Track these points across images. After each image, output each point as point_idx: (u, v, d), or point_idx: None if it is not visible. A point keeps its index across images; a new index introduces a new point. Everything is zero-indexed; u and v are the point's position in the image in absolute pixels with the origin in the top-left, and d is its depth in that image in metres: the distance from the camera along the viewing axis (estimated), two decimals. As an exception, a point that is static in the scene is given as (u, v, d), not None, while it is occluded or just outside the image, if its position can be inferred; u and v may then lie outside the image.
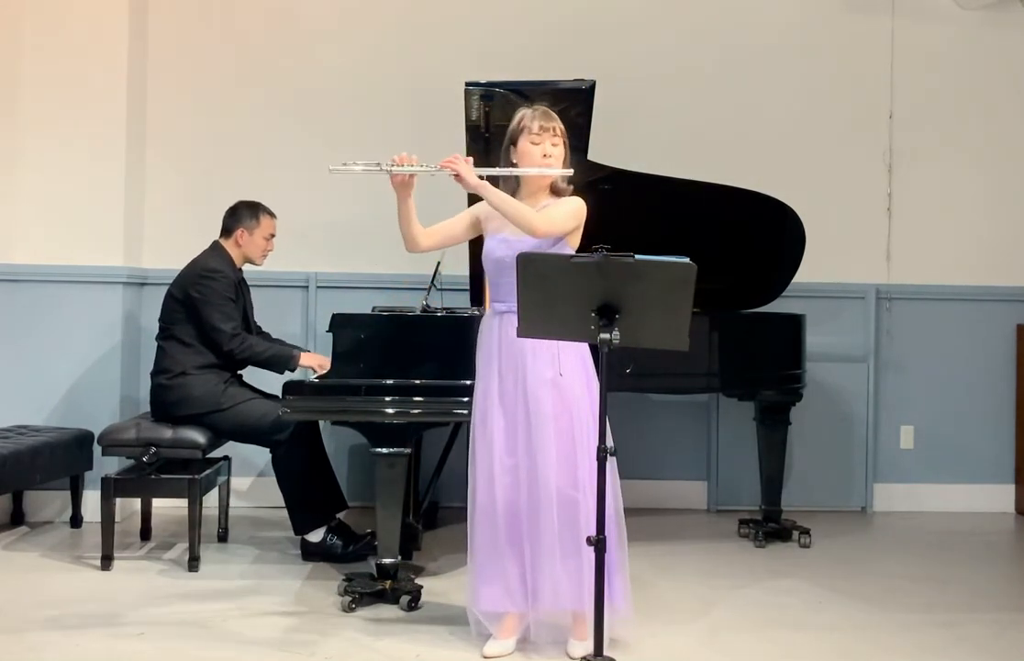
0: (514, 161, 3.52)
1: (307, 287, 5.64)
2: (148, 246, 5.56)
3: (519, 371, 3.45)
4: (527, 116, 3.51)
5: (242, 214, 4.76)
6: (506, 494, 3.44)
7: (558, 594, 3.37)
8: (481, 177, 3.45)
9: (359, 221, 5.65)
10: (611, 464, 3.29)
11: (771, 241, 5.13)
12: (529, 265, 3.18)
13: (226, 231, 4.76)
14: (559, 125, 3.52)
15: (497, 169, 3.53)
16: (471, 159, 3.52)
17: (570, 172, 3.52)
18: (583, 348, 3.50)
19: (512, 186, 3.54)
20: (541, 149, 3.48)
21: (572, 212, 3.49)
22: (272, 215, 4.82)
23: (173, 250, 5.18)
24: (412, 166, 3.47)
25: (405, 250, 3.66)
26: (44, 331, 5.25)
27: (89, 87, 5.25)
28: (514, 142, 3.53)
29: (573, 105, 4.53)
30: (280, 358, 4.62)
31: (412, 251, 3.65)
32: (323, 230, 5.63)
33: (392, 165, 3.47)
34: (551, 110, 3.56)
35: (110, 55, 5.28)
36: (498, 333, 3.50)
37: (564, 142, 3.53)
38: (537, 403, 3.40)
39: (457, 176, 3.46)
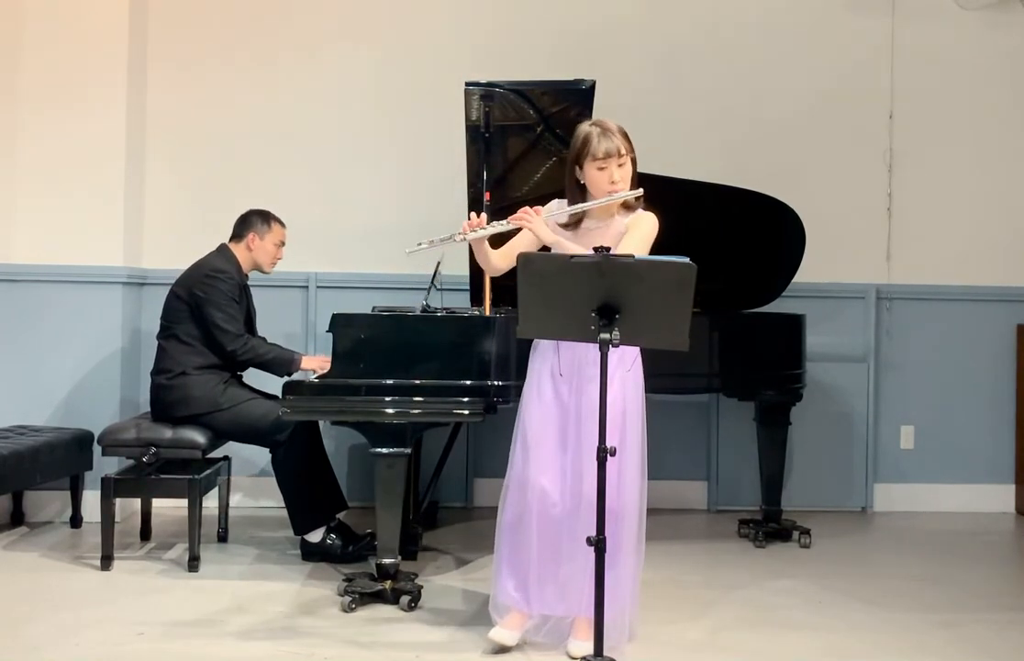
0: (581, 181, 3.51)
1: (307, 287, 5.64)
2: (148, 246, 5.56)
3: (576, 377, 3.45)
4: (592, 140, 3.46)
5: (254, 220, 4.78)
6: (543, 496, 3.44)
7: (590, 602, 3.36)
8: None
9: (359, 221, 5.65)
10: (642, 468, 3.44)
11: (771, 241, 5.13)
12: (529, 265, 3.17)
13: (236, 236, 4.77)
14: (623, 144, 3.48)
15: (570, 209, 3.51)
16: (540, 209, 3.51)
17: (639, 193, 3.49)
18: (639, 360, 3.51)
19: (580, 200, 3.53)
20: (607, 175, 3.45)
21: (645, 237, 3.47)
22: (283, 224, 4.85)
23: (173, 250, 5.19)
24: (484, 229, 3.49)
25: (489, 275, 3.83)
26: (44, 331, 5.25)
27: (89, 87, 5.25)
28: (579, 163, 3.50)
29: (573, 105, 4.53)
30: (282, 361, 4.62)
31: (494, 275, 3.74)
32: (323, 230, 5.63)
33: (466, 234, 3.49)
34: (613, 124, 3.51)
35: (110, 55, 5.28)
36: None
37: (631, 156, 3.50)
38: (594, 418, 3.35)
39: (529, 230, 3.48)
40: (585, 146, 3.48)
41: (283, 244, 4.85)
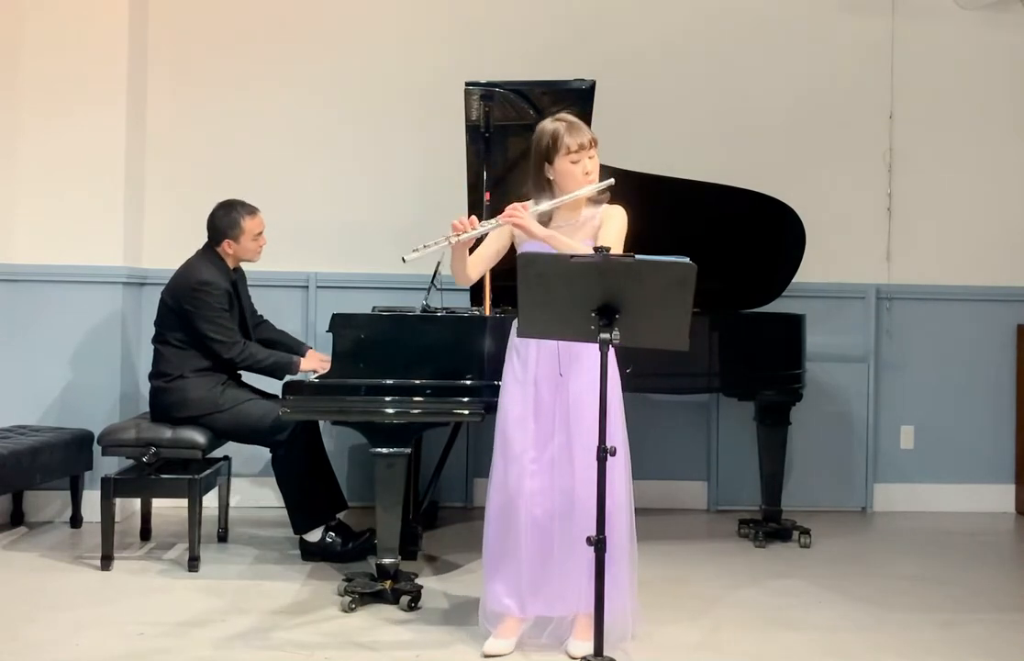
0: (549, 177, 3.49)
1: (307, 287, 5.64)
2: (148, 246, 5.56)
3: (558, 381, 3.44)
4: (561, 134, 3.45)
5: (221, 224, 4.67)
6: (530, 499, 3.44)
7: (589, 600, 3.35)
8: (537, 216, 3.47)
9: (359, 221, 5.65)
10: (627, 464, 3.43)
11: (771, 241, 5.13)
12: (529, 265, 3.17)
13: (213, 240, 4.72)
14: (592, 135, 3.50)
15: (550, 202, 3.48)
16: (528, 204, 3.49)
17: (611, 182, 3.49)
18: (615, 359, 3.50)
19: (548, 198, 3.50)
20: (581, 167, 3.46)
21: (623, 229, 3.49)
22: (253, 212, 4.71)
23: (173, 250, 5.16)
24: (475, 229, 3.45)
25: (457, 284, 3.70)
26: (44, 331, 5.24)
27: (89, 87, 5.25)
28: (548, 160, 3.48)
29: (573, 105, 4.52)
30: (280, 365, 4.60)
31: (464, 285, 3.69)
32: (323, 230, 5.63)
33: (458, 235, 3.43)
34: (574, 117, 3.52)
35: (110, 55, 5.27)
36: (536, 340, 3.47)
37: (596, 148, 3.52)
38: (579, 417, 3.38)
39: (520, 227, 3.44)
40: (556, 141, 3.46)
41: (261, 232, 4.73)
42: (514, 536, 3.46)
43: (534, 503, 3.44)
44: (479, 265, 3.60)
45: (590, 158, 3.48)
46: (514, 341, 3.56)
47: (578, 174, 3.46)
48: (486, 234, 3.52)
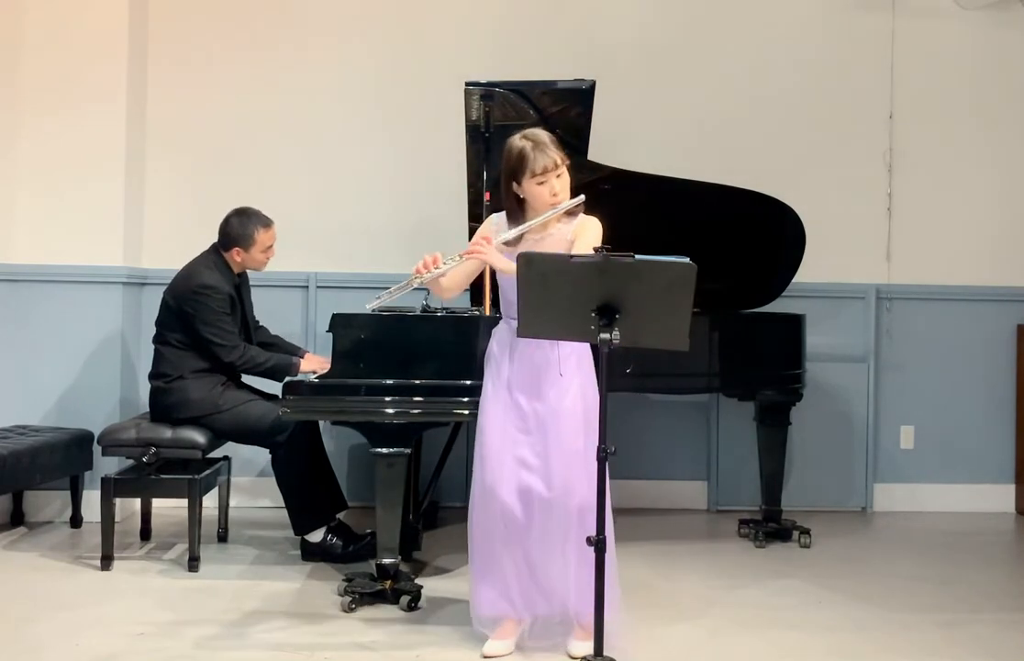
0: (519, 195, 3.48)
1: (307, 287, 5.64)
2: (148, 246, 5.56)
3: (535, 390, 3.44)
4: (529, 156, 3.42)
5: (235, 233, 4.66)
6: (510, 503, 3.43)
7: (579, 600, 3.37)
8: (507, 241, 3.48)
9: (359, 221, 5.65)
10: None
11: (771, 241, 5.13)
12: (529, 265, 3.17)
13: (222, 245, 4.72)
14: (559, 154, 3.45)
15: (519, 228, 3.47)
16: (491, 238, 3.50)
17: (581, 199, 3.47)
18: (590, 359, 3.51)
19: (521, 217, 3.50)
20: (549, 188, 3.43)
21: (597, 240, 3.45)
22: (268, 225, 4.71)
23: (173, 250, 5.17)
24: (441, 266, 3.49)
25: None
26: (44, 331, 5.24)
27: (89, 86, 5.25)
28: (516, 178, 3.46)
29: (573, 105, 4.54)
30: (280, 367, 4.60)
31: (443, 298, 3.73)
32: (323, 230, 5.63)
33: (424, 276, 3.48)
34: (544, 135, 3.49)
35: (110, 55, 5.27)
36: (510, 348, 3.49)
37: (566, 164, 3.48)
38: (556, 421, 3.40)
39: (484, 262, 3.50)
40: (522, 163, 3.44)
41: (271, 245, 4.74)
42: (499, 540, 3.46)
43: (514, 506, 3.43)
44: (455, 288, 3.63)
45: (558, 177, 3.44)
46: (491, 348, 3.58)
47: (546, 195, 3.44)
48: (450, 270, 3.53)
